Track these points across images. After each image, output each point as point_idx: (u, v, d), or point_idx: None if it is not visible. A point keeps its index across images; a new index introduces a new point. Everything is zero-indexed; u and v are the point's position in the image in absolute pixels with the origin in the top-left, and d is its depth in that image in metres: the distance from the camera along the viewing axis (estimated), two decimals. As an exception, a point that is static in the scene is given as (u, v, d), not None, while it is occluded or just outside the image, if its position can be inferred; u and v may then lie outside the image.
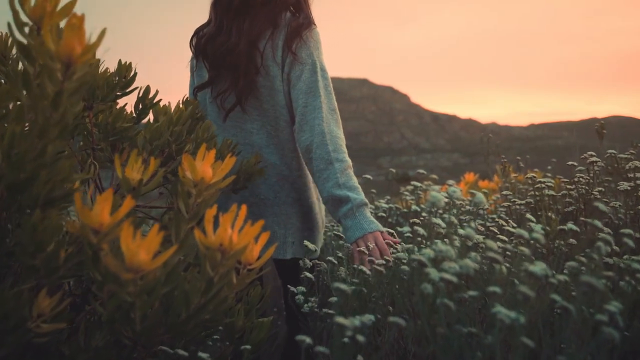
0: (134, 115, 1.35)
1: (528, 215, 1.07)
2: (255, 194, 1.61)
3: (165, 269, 0.89)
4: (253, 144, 1.61)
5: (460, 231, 1.05)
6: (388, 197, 2.83)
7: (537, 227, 0.98)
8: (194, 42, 1.68)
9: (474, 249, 1.18)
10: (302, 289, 1.17)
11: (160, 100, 1.36)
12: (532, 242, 1.02)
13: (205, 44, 1.62)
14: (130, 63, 1.29)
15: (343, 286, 0.72)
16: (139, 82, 1.32)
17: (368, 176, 2.47)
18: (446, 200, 1.26)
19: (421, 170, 2.70)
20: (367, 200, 1.45)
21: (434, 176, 3.08)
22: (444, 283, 0.78)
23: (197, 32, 1.68)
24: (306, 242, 1.43)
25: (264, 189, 1.61)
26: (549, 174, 2.57)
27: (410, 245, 1.01)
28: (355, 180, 1.48)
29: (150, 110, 1.36)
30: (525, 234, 0.85)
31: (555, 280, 0.75)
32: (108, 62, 1.30)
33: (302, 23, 1.57)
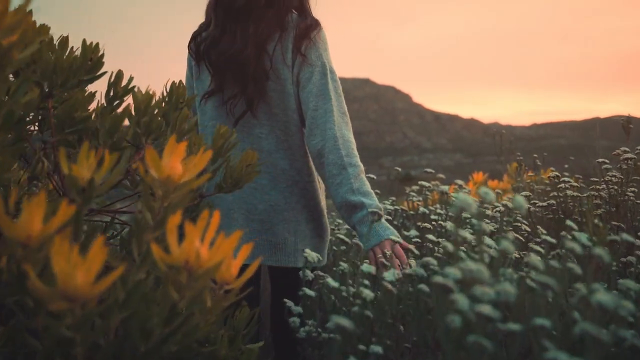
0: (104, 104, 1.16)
1: (569, 222, 0.88)
2: (265, 200, 1.54)
3: (125, 288, 0.71)
4: (262, 149, 1.54)
5: (488, 241, 0.87)
6: (393, 198, 2.65)
7: (583, 237, 0.80)
8: (193, 47, 1.59)
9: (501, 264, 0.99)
10: (298, 309, 0.99)
11: (135, 87, 1.18)
12: (567, 254, 0.83)
13: (207, 49, 1.54)
14: (97, 43, 1.10)
15: (344, 321, 0.54)
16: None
17: (372, 175, 2.28)
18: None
19: (428, 169, 2.51)
20: (381, 206, 1.41)
21: (441, 175, 2.90)
22: (474, 314, 0.59)
23: (196, 37, 1.59)
24: (312, 252, 1.28)
25: (274, 195, 1.55)
26: (567, 173, 2.38)
27: (431, 259, 0.83)
28: (368, 186, 1.44)
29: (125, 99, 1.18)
30: (578, 248, 0.67)
31: (625, 312, 0.56)
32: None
33: (311, 24, 1.52)
